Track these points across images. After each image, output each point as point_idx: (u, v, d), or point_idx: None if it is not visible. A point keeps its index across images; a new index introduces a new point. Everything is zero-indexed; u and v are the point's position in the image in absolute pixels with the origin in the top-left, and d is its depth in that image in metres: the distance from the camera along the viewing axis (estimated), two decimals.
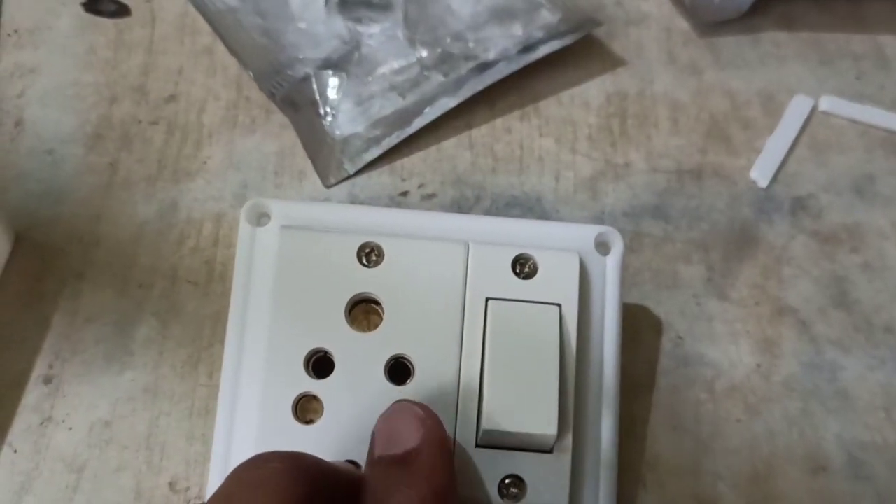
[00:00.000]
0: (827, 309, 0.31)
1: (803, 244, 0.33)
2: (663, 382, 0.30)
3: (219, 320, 0.30)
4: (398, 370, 0.24)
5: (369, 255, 0.25)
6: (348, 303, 0.25)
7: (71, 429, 0.28)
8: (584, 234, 0.27)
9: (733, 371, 0.30)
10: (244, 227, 0.26)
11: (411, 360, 0.24)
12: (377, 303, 0.25)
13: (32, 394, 0.28)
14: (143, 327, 0.29)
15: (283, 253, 0.25)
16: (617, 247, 0.27)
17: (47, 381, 0.28)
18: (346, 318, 0.25)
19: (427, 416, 0.22)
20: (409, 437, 0.21)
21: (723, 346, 0.30)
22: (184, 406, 0.28)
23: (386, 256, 0.25)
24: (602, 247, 0.27)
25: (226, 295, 0.30)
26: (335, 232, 0.25)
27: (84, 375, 0.28)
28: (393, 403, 0.23)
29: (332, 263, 0.25)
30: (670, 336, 0.31)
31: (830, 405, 0.30)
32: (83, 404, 0.28)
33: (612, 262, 0.27)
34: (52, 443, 0.27)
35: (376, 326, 0.25)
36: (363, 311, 0.25)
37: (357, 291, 0.25)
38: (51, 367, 0.28)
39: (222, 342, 0.29)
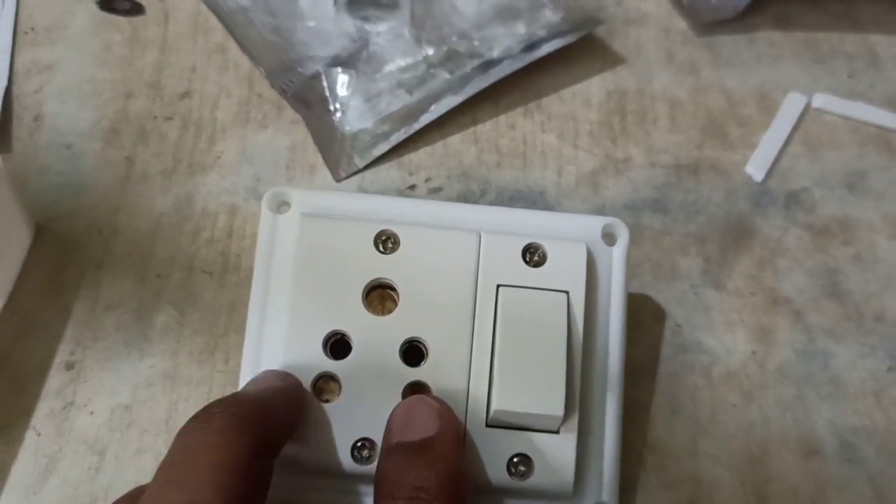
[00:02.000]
0: (820, 299, 0.33)
1: (797, 237, 0.34)
2: (662, 369, 0.31)
3: (234, 309, 0.31)
4: (412, 353, 0.26)
5: (385, 242, 0.26)
6: (365, 287, 0.26)
7: (93, 413, 0.29)
8: (591, 225, 0.28)
9: (729, 358, 0.31)
10: (266, 215, 0.27)
11: (425, 343, 0.25)
12: (393, 288, 0.26)
13: (55, 379, 0.29)
14: (161, 315, 0.30)
15: (303, 239, 0.26)
16: (623, 237, 0.28)
17: (69, 367, 0.29)
18: (363, 302, 0.26)
19: (443, 408, 0.23)
20: (427, 426, 0.22)
21: (719, 335, 0.32)
22: (201, 391, 0.29)
23: (401, 244, 0.26)
24: (608, 237, 0.28)
25: (240, 284, 0.31)
26: (353, 220, 0.26)
27: (105, 362, 0.29)
28: (409, 397, 0.24)
29: (350, 250, 0.26)
30: (669, 324, 0.32)
31: (823, 391, 0.31)
32: (104, 389, 0.29)
33: (618, 252, 0.28)
34: (74, 426, 0.28)
35: (391, 311, 0.26)
36: (379, 296, 0.26)
37: (373, 277, 0.26)
38: (72, 353, 0.30)
39: (237, 330, 0.30)
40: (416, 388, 0.25)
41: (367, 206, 0.27)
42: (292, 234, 0.26)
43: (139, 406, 0.29)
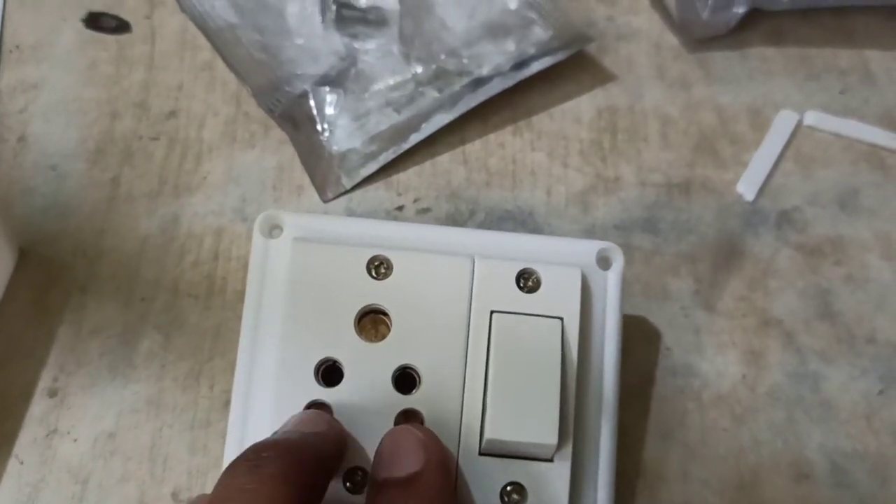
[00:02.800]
0: (811, 320, 0.32)
1: (788, 257, 0.34)
2: (652, 392, 0.31)
3: (219, 333, 0.30)
4: (405, 380, 0.25)
5: (378, 267, 0.26)
6: (357, 313, 0.25)
7: (76, 440, 0.28)
8: (586, 250, 0.27)
9: (720, 381, 0.31)
10: (257, 239, 0.27)
11: (418, 370, 0.25)
12: (385, 314, 0.26)
13: (38, 406, 0.29)
14: (145, 340, 0.30)
15: (295, 264, 0.26)
16: (617, 262, 0.28)
17: (52, 393, 0.29)
18: (356, 328, 0.25)
19: (429, 439, 0.23)
20: (412, 461, 0.22)
21: (710, 357, 0.31)
22: (186, 418, 0.29)
23: (394, 269, 0.26)
24: (603, 262, 0.28)
25: (226, 308, 0.31)
26: (345, 245, 0.26)
27: (88, 388, 0.29)
28: (394, 427, 0.24)
29: (342, 275, 0.26)
30: (659, 347, 0.31)
31: (814, 414, 0.31)
32: (88, 416, 0.29)
33: (613, 276, 0.27)
34: (57, 454, 0.28)
35: (384, 337, 0.25)
36: (371, 321, 0.26)
37: (366, 303, 0.25)
38: (56, 379, 0.29)
39: (223, 355, 0.30)
40: (408, 416, 0.25)
41: (360, 230, 0.27)
42: (284, 259, 0.26)
43: (123, 433, 0.28)
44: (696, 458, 0.30)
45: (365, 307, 0.26)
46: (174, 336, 0.30)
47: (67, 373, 0.29)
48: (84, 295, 0.31)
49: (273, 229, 0.27)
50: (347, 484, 0.24)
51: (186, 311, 0.31)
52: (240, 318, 0.30)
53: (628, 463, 0.29)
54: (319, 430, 0.23)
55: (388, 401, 0.25)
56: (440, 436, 0.24)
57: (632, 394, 0.30)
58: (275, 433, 0.23)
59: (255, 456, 0.20)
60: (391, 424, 0.25)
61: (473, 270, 0.26)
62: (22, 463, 0.28)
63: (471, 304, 0.26)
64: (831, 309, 0.33)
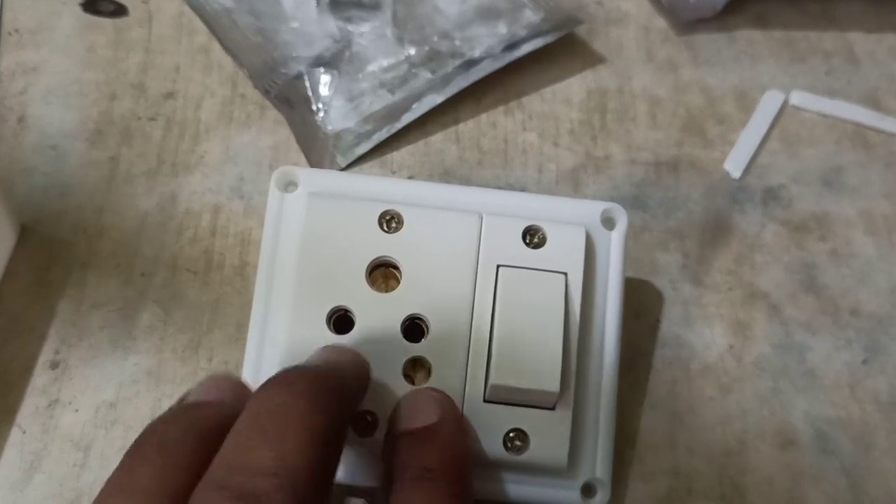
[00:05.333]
0: (796, 293, 0.33)
1: (774, 232, 0.34)
2: (641, 363, 0.31)
3: (217, 307, 0.31)
4: (413, 329, 0.26)
5: (389, 221, 0.27)
6: (369, 265, 0.26)
7: (77, 410, 0.29)
8: (590, 210, 0.28)
9: (707, 352, 0.32)
10: (274, 193, 0.28)
11: (426, 320, 0.26)
12: (396, 267, 0.27)
13: (40, 378, 0.29)
14: (145, 314, 0.31)
15: (310, 217, 0.27)
16: (622, 222, 0.28)
17: (54, 365, 0.30)
18: (367, 279, 0.26)
19: (443, 398, 0.24)
20: (429, 414, 0.23)
21: (698, 329, 0.32)
22: (185, 388, 0.29)
23: (405, 223, 0.27)
24: (608, 222, 0.28)
25: (224, 283, 0.31)
26: (358, 199, 0.27)
27: (90, 360, 0.30)
28: (411, 390, 0.25)
29: (355, 228, 0.27)
30: (648, 320, 0.32)
31: (799, 384, 0.31)
32: (89, 387, 0.29)
33: (617, 236, 0.28)
34: (59, 424, 0.29)
35: (394, 289, 0.26)
36: (382, 274, 0.27)
37: (377, 255, 0.26)
38: (57, 352, 0.30)
39: (221, 328, 0.31)
40: (416, 364, 0.26)
41: (372, 186, 0.28)
42: (299, 213, 0.27)
43: (124, 403, 0.29)
44: (685, 427, 0.30)
45: (376, 259, 0.26)
46: (173, 310, 0.31)
47: (69, 345, 0.30)
48: (84, 271, 0.31)
49: (289, 185, 0.28)
50: (358, 426, 0.25)
51: (185, 286, 0.31)
52: (238, 292, 0.31)
53: (619, 431, 0.30)
54: (346, 360, 0.24)
55: (396, 348, 0.26)
56: (447, 383, 0.25)
57: (621, 365, 0.31)
58: (305, 361, 0.23)
59: (289, 376, 0.21)
60: (399, 371, 0.25)
61: (481, 226, 0.27)
62: (24, 432, 0.28)
63: (478, 259, 0.27)
64: (816, 282, 0.33)
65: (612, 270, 0.28)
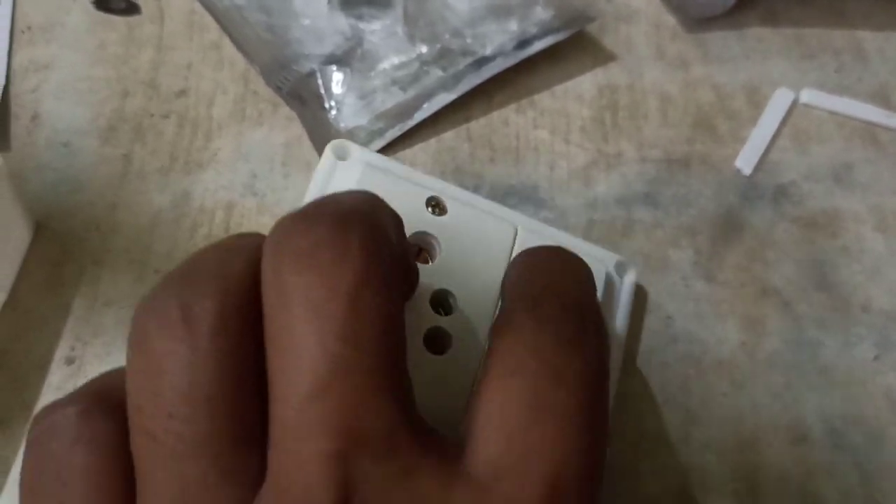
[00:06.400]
0: (808, 290, 0.33)
1: (785, 229, 0.35)
2: (654, 360, 0.31)
3: None
4: (440, 304, 0.26)
5: (435, 207, 0.28)
6: (411, 236, 0.27)
7: None
8: (606, 256, 0.31)
9: (720, 348, 0.32)
10: (328, 158, 0.29)
11: (455, 296, 0.26)
12: (432, 248, 0.27)
13: (56, 374, 0.29)
14: None
15: (362, 185, 0.27)
16: (631, 273, 0.31)
17: (70, 361, 0.30)
18: None
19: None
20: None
21: (710, 325, 0.32)
22: None
23: (448, 213, 0.27)
24: (620, 269, 0.31)
25: None
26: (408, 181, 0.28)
27: (105, 356, 0.30)
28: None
29: (403, 203, 0.26)
30: (660, 316, 0.32)
31: (811, 380, 0.32)
32: None
33: (628, 280, 0.31)
34: None
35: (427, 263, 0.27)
36: (419, 252, 0.27)
37: (420, 228, 0.27)
38: (73, 348, 0.30)
39: None
40: (436, 335, 0.26)
41: (418, 177, 0.29)
42: (350, 181, 0.28)
43: None
44: (697, 422, 0.30)
45: (418, 233, 0.27)
46: None
47: (84, 342, 0.30)
48: (98, 268, 0.31)
49: (342, 157, 0.29)
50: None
51: None
52: None
53: (629, 427, 0.30)
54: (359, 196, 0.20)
55: (421, 316, 0.26)
56: (462, 362, 0.25)
57: (634, 361, 0.31)
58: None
59: (308, 218, 0.17)
60: (420, 339, 0.25)
61: (515, 236, 0.28)
62: None
63: (509, 263, 0.27)
64: (827, 279, 0.34)
65: (619, 312, 0.30)
